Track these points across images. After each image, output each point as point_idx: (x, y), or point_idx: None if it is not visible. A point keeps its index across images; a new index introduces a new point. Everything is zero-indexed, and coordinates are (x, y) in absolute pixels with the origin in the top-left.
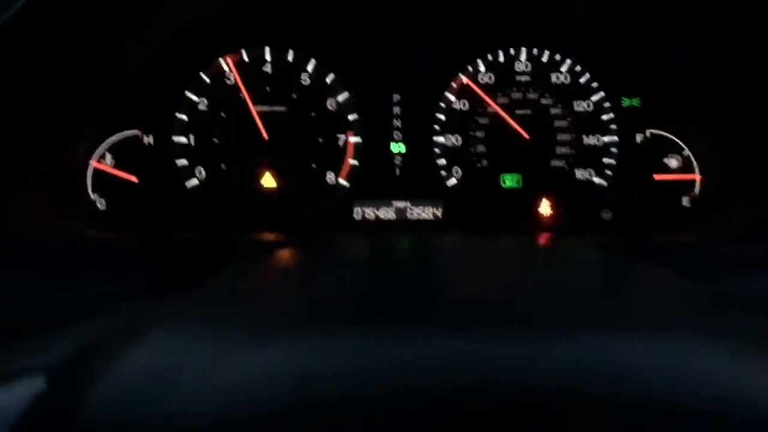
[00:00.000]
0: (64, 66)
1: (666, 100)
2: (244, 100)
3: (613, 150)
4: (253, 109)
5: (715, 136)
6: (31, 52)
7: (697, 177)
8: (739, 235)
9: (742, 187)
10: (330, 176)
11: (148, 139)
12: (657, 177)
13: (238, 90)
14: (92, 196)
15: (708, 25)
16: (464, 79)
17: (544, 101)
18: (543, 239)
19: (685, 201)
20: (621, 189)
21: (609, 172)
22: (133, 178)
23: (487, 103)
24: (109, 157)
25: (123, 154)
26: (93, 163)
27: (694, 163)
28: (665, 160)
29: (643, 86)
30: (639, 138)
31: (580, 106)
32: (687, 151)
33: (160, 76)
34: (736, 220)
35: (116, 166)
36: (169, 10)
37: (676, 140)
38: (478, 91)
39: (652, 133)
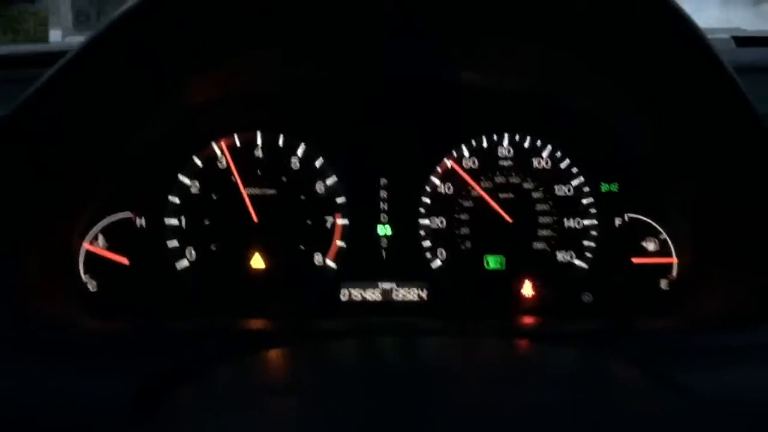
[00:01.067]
0: (65, 154)
1: (644, 185)
2: (236, 183)
3: (593, 233)
4: (244, 192)
5: (691, 220)
6: (32, 142)
7: (675, 260)
8: (715, 323)
9: (718, 271)
10: (318, 257)
11: (140, 221)
12: (635, 260)
13: (230, 173)
14: (84, 278)
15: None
16: (449, 164)
17: (526, 185)
18: (523, 343)
19: (663, 284)
20: (601, 271)
21: (589, 255)
22: (124, 260)
23: (471, 186)
24: (101, 239)
25: (115, 236)
26: (86, 245)
27: (671, 246)
28: (643, 244)
29: (621, 172)
30: (618, 221)
31: (561, 190)
32: (664, 235)
33: (155, 159)
34: (713, 306)
35: (108, 247)
36: (171, 99)
37: (654, 224)
38: (463, 175)
39: (630, 217)
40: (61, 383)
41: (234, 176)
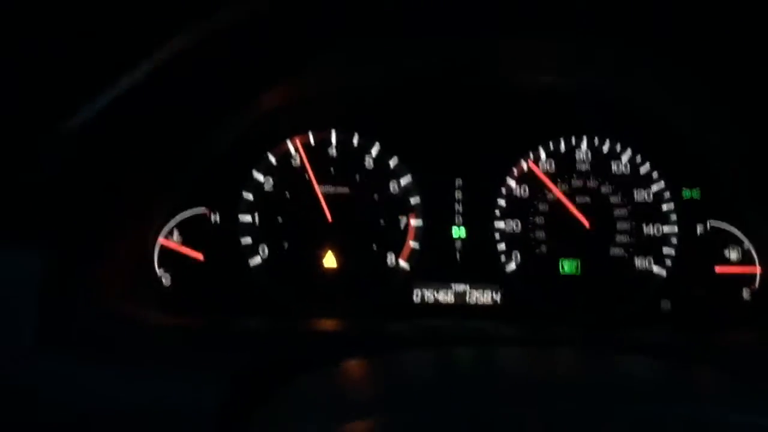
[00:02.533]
0: (145, 151)
1: (726, 192)
2: (309, 181)
3: (673, 240)
4: (318, 190)
5: None
6: (120, 135)
7: (758, 270)
8: None
9: None
10: (391, 258)
11: (215, 217)
12: (717, 269)
13: (304, 171)
14: (158, 272)
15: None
16: (525, 166)
17: (604, 190)
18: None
19: (746, 294)
20: (681, 280)
21: (669, 263)
22: (199, 256)
23: (547, 189)
24: (176, 234)
25: (190, 232)
26: (161, 240)
27: (755, 255)
28: (725, 252)
29: (704, 178)
30: (699, 229)
31: (640, 195)
32: (747, 244)
33: (230, 156)
34: None
35: (183, 242)
36: (249, 100)
37: (737, 232)
38: (540, 177)
39: (712, 225)
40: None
41: (308, 174)
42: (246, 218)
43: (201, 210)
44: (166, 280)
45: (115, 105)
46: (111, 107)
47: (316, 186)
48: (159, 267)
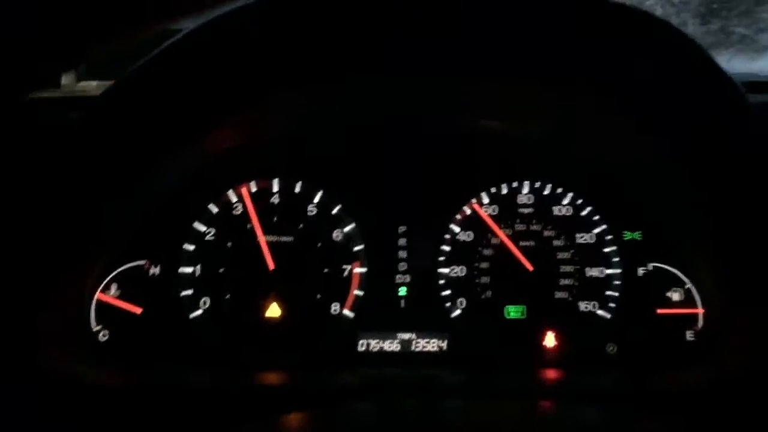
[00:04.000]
0: (82, 202)
1: (667, 234)
2: (252, 230)
3: (616, 283)
4: (261, 239)
5: (716, 270)
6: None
7: (700, 311)
8: (742, 377)
9: (745, 321)
10: (335, 307)
11: (155, 270)
12: (660, 311)
13: (246, 220)
14: (95, 327)
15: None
16: (469, 211)
17: (546, 233)
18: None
19: (689, 335)
20: (625, 322)
21: (612, 305)
22: (137, 309)
23: (491, 234)
24: (114, 287)
25: (128, 285)
26: (98, 295)
27: (697, 296)
28: (668, 294)
29: (645, 220)
30: (641, 271)
31: (583, 238)
32: (689, 284)
33: (170, 207)
34: (740, 359)
35: (121, 296)
36: (190, 147)
37: (678, 273)
38: (485, 221)
39: (654, 266)
40: None
41: (250, 223)
42: (187, 270)
43: (140, 263)
44: (103, 335)
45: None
46: (50, 153)
47: (259, 235)
48: (96, 322)
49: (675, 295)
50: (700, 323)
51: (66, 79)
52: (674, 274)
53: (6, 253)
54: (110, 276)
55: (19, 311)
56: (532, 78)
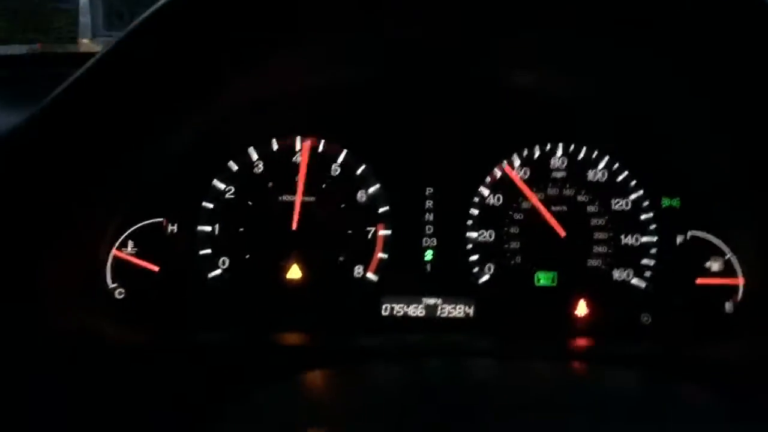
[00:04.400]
0: (95, 156)
1: (708, 201)
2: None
3: (653, 251)
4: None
5: (759, 240)
6: (61, 144)
7: (740, 281)
8: None
9: None
10: (358, 270)
11: (172, 228)
12: (698, 281)
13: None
14: (111, 285)
15: (754, 123)
16: (499, 174)
17: (580, 198)
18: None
19: (728, 306)
20: (661, 292)
21: (648, 274)
22: (155, 267)
23: (522, 198)
24: (130, 244)
25: (145, 242)
26: (114, 251)
27: (737, 266)
28: (707, 264)
29: (684, 186)
30: (679, 239)
31: (618, 204)
32: (729, 254)
33: (189, 164)
34: None
35: (137, 254)
36: (208, 102)
37: (718, 243)
38: (518, 184)
39: (692, 235)
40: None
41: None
42: (205, 228)
43: (157, 220)
44: (119, 292)
45: (60, 106)
46: (56, 108)
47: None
48: (112, 279)
49: (714, 265)
50: (740, 295)
51: (83, 34)
52: (714, 244)
53: (20, 205)
54: (127, 233)
55: (34, 266)
56: (571, 27)
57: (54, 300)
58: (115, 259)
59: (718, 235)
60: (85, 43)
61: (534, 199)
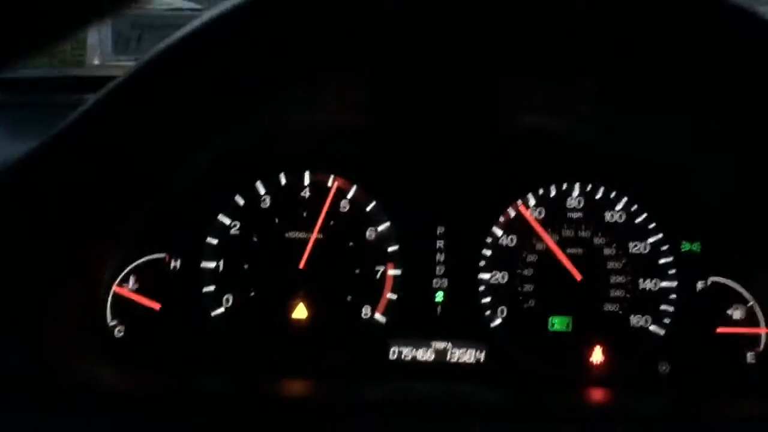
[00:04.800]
0: (99, 190)
1: (730, 246)
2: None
3: (672, 297)
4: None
5: None
6: (65, 176)
7: (764, 331)
8: None
9: None
10: (366, 310)
11: (175, 264)
12: (719, 329)
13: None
14: (111, 322)
15: None
16: (513, 213)
17: (597, 240)
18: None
19: (750, 357)
20: (680, 340)
21: (667, 321)
22: (156, 305)
23: (536, 239)
24: (131, 280)
25: (147, 279)
26: (114, 288)
27: (760, 315)
28: (728, 311)
29: (705, 230)
30: (700, 285)
31: (636, 248)
32: (752, 302)
33: (194, 197)
34: None
35: (138, 290)
36: (217, 135)
37: (741, 290)
38: (532, 224)
39: (713, 281)
40: None
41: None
42: (209, 265)
43: (160, 256)
44: (118, 330)
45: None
46: (62, 137)
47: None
48: (112, 316)
49: (736, 313)
50: (763, 345)
51: (91, 59)
52: (736, 290)
53: (19, 238)
54: (128, 268)
55: (31, 302)
56: (583, 67)
57: (52, 336)
58: (116, 295)
59: (740, 281)
60: (94, 67)
61: (549, 240)
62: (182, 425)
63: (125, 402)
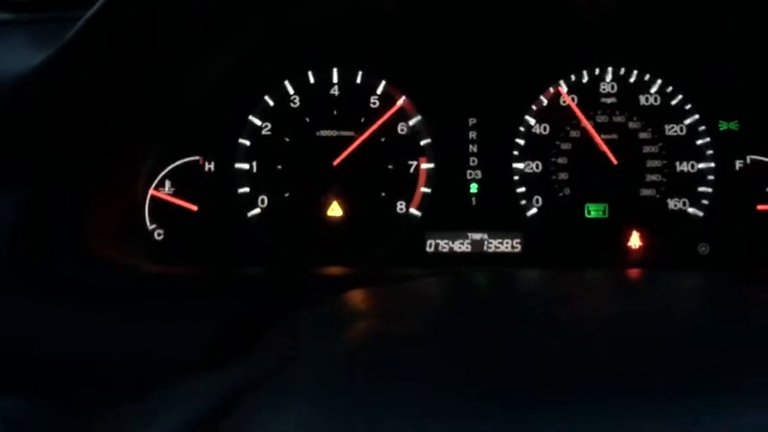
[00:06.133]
0: (127, 90)
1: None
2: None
3: (710, 177)
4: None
5: None
6: (91, 77)
7: None
8: None
9: None
10: (401, 205)
11: (209, 166)
12: (759, 207)
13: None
14: (150, 226)
15: None
16: (545, 101)
17: (631, 125)
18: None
19: None
20: (719, 220)
21: (705, 202)
22: (193, 207)
23: (570, 126)
24: (168, 184)
25: (182, 182)
26: (151, 192)
27: None
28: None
29: (743, 108)
30: (738, 164)
31: (672, 130)
32: None
33: (224, 99)
34: None
35: (175, 193)
36: (240, 29)
37: None
38: (564, 111)
39: (752, 159)
40: (135, 332)
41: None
42: (243, 166)
43: (194, 158)
44: (158, 233)
45: (91, 38)
46: (87, 40)
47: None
48: (150, 219)
49: None
50: None
51: None
52: None
53: (57, 145)
54: (164, 172)
55: (73, 206)
56: None
57: (95, 235)
58: (153, 199)
59: None
60: None
61: (586, 123)
62: (221, 304)
63: (164, 285)
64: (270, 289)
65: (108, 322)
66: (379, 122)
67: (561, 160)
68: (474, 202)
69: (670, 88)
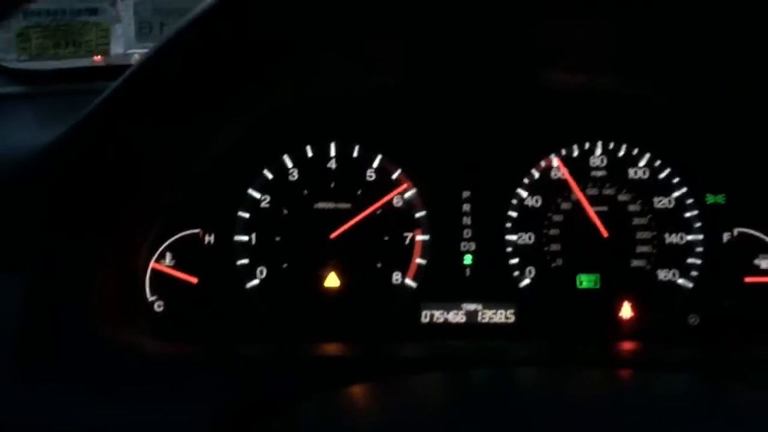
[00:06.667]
0: (133, 169)
1: (754, 196)
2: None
3: (698, 249)
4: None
5: None
6: (99, 157)
7: None
8: None
9: None
10: (396, 276)
11: (209, 238)
12: (747, 279)
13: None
14: (150, 298)
15: None
16: (537, 174)
17: (621, 197)
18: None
19: None
20: (708, 291)
21: (694, 273)
22: (193, 279)
23: (561, 199)
24: (168, 256)
25: (183, 254)
26: (152, 264)
27: None
28: (755, 261)
29: (729, 182)
30: (726, 237)
31: (661, 202)
32: None
33: (224, 173)
34: None
35: (176, 266)
36: (241, 109)
37: (767, 239)
38: (555, 183)
39: (739, 232)
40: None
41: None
42: (242, 238)
43: (194, 231)
44: (158, 305)
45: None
46: (99, 114)
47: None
48: (151, 292)
49: (764, 263)
50: None
51: (115, 48)
52: (762, 240)
53: (60, 221)
54: (164, 245)
55: (75, 282)
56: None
57: (97, 311)
58: (154, 272)
59: (765, 231)
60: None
61: (580, 194)
62: (221, 387)
63: (167, 367)
64: (268, 370)
65: (111, 405)
66: (382, 201)
67: (553, 232)
68: (468, 273)
69: (658, 162)
